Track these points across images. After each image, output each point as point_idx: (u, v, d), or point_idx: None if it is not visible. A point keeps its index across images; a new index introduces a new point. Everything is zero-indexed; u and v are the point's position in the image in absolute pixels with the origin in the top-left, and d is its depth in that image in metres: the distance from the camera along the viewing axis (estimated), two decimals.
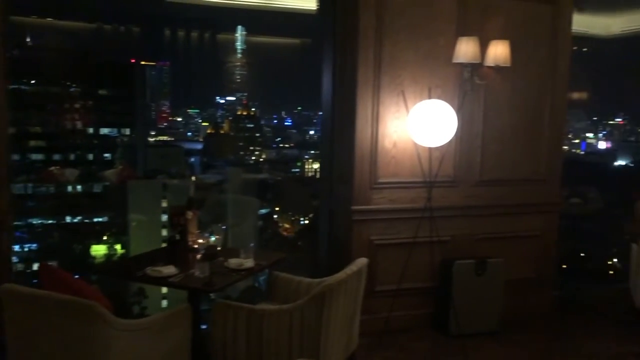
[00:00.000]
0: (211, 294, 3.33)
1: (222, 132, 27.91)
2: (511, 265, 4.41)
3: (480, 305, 4.16)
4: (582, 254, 6.54)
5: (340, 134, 4.20)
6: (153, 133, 26.68)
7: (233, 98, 32.92)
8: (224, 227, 3.76)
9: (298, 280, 3.40)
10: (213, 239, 3.28)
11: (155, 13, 33.25)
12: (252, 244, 7.37)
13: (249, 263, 3.08)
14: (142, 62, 25.94)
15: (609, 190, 7.08)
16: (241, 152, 26.25)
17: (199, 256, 3.14)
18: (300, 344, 2.77)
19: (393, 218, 4.15)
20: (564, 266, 6.32)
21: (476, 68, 4.14)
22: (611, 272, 6.73)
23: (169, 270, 2.91)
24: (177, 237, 3.20)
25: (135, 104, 20.67)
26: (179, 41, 36.28)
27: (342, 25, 4.12)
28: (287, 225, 18.53)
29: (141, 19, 32.34)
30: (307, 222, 17.85)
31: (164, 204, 15.31)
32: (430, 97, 4.01)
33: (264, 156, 26.16)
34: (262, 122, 29.06)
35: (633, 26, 8.87)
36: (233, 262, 3.07)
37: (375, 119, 4.04)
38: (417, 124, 3.89)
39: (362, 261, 3.12)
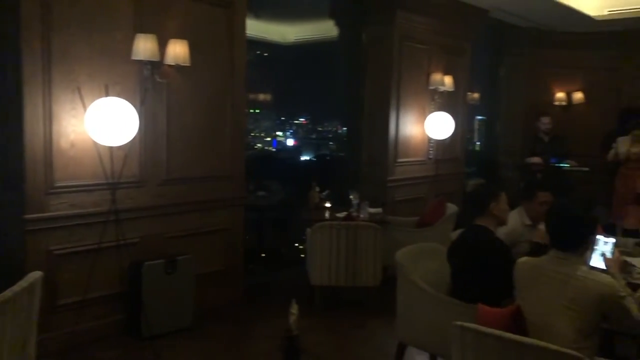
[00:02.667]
0: None
1: None
2: (203, 260, 4.53)
3: (172, 304, 4.17)
4: (273, 242, 7.07)
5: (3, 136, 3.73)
6: None
7: None
8: None
9: None
10: None
11: None
12: None
13: None
14: None
15: (296, 182, 7.80)
16: None
17: None
18: None
19: (76, 224, 3.86)
20: (263, 255, 6.74)
21: (157, 66, 4.12)
22: (302, 255, 7.41)
23: None
24: None
25: None
26: None
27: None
28: None
29: None
30: None
31: None
32: (108, 95, 3.83)
33: None
34: None
35: (305, 35, 9.94)
36: None
37: (49, 118, 3.69)
38: (95, 123, 3.68)
39: (34, 275, 2.80)
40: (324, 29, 8.11)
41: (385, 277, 4.80)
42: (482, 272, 3.11)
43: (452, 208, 5.64)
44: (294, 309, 2.42)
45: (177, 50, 4.11)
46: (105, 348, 3.92)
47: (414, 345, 3.66)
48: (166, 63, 4.14)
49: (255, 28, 8.77)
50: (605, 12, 7.32)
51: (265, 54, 12.81)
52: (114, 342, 4.01)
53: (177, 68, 4.20)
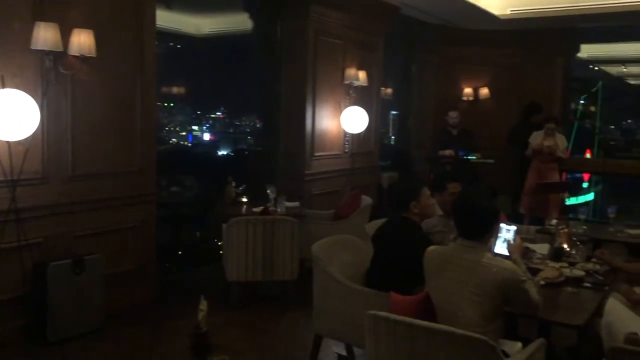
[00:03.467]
0: None
1: None
2: (113, 259, 4.37)
3: (80, 306, 3.98)
4: (189, 239, 6.93)
5: None
6: None
7: None
8: None
9: None
10: None
11: None
12: None
13: None
14: None
15: (212, 177, 7.67)
16: None
17: None
18: None
19: None
20: (180, 252, 6.58)
21: (60, 57, 3.91)
22: (221, 252, 7.33)
23: None
24: None
25: None
26: None
27: None
28: None
29: None
30: None
31: None
32: (4, 87, 3.58)
33: None
34: None
35: (220, 27, 9.78)
36: None
37: None
38: None
39: None
40: (239, 21, 8.03)
41: (303, 270, 4.82)
42: (400, 261, 3.19)
43: (366, 200, 5.75)
44: (203, 306, 2.38)
45: (82, 41, 3.92)
46: (7, 357, 3.68)
47: (330, 337, 3.70)
48: (70, 54, 3.94)
49: (168, 19, 8.54)
50: (508, 12, 7.71)
51: (179, 46, 12.49)
52: (17, 350, 3.77)
53: (82, 59, 4.00)
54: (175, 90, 15.19)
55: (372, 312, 2.52)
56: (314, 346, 3.61)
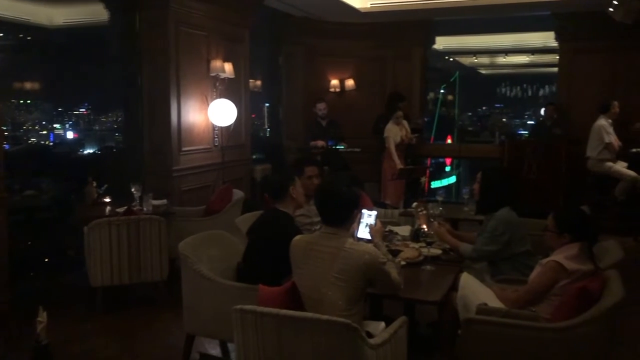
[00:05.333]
0: None
1: None
2: None
3: None
4: (50, 245, 6.43)
5: None
6: None
7: None
8: None
9: None
10: None
11: None
12: None
13: None
14: None
15: (74, 178, 7.17)
16: None
17: None
18: None
19: None
20: (38, 260, 6.08)
21: None
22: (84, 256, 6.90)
23: None
24: None
25: None
26: None
27: None
28: None
29: None
30: None
31: None
32: None
33: None
34: None
35: (75, 18, 9.18)
36: None
37: None
38: None
39: None
40: (95, 12, 7.57)
41: (175, 269, 4.68)
42: (271, 253, 3.19)
43: (238, 194, 5.71)
44: (42, 317, 2.23)
45: None
46: None
47: (203, 335, 3.65)
48: None
49: (14, 8, 7.86)
50: (369, 5, 7.99)
51: (29, 38, 11.52)
52: None
53: None
54: (29, 86, 14.01)
55: (238, 306, 2.50)
56: (185, 346, 3.53)
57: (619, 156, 7.27)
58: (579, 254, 2.95)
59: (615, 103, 7.28)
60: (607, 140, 7.12)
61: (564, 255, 2.96)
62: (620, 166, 7.19)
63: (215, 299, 3.27)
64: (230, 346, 3.73)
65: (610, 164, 7.20)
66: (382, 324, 2.86)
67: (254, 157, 8.31)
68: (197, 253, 3.44)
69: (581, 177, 7.53)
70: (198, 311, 3.41)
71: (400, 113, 7.32)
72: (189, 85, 6.28)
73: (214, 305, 3.28)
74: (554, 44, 8.99)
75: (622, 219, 7.15)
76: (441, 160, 17.79)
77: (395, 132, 7.25)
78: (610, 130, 7.19)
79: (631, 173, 7.02)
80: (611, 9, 6.85)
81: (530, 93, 25.22)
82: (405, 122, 7.45)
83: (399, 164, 7.10)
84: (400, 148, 7.31)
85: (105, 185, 5.48)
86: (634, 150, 7.25)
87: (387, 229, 4.04)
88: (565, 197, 7.39)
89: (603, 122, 7.21)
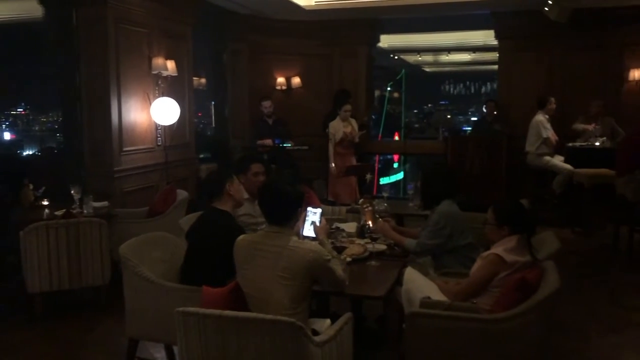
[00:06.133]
0: None
1: None
2: None
3: None
4: None
5: None
6: None
7: None
8: None
9: None
10: None
11: None
12: None
13: None
14: None
15: (9, 181, 6.87)
16: None
17: None
18: None
19: None
20: None
21: None
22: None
23: None
24: None
25: None
26: None
27: None
28: None
29: None
30: None
31: None
32: None
33: None
34: None
35: (7, 14, 8.81)
36: None
37: None
38: None
39: None
40: (30, 8, 7.27)
41: (118, 273, 4.55)
42: (213, 253, 3.14)
43: (182, 194, 5.60)
44: None
45: None
46: None
47: (146, 339, 3.56)
48: None
49: None
50: (313, 3, 7.99)
51: None
52: None
53: None
54: None
55: (180, 308, 2.45)
56: (128, 351, 3.43)
57: (556, 151, 7.54)
58: (517, 246, 3.03)
59: (552, 99, 7.54)
60: (544, 135, 7.37)
61: (503, 248, 3.04)
62: (558, 160, 7.46)
63: (158, 302, 3.19)
64: (176, 349, 3.65)
65: (548, 158, 7.46)
66: (328, 321, 2.86)
67: (201, 156, 8.20)
68: (139, 255, 3.35)
69: (521, 171, 7.77)
70: (141, 315, 3.32)
71: (348, 107, 7.33)
72: (130, 83, 6.12)
73: (156, 308, 3.20)
74: (494, 42, 9.24)
75: (560, 211, 7.43)
76: (389, 157, 18.01)
77: (337, 129, 7.26)
78: (548, 125, 7.44)
79: (567, 167, 7.29)
80: (546, 9, 7.10)
81: (473, 90, 25.91)
82: (352, 120, 7.48)
83: (331, 162, 7.10)
84: (345, 145, 7.32)
85: (43, 188, 5.27)
86: (570, 144, 7.52)
87: (333, 226, 4.06)
88: (506, 191, 7.61)
89: (541, 117, 7.46)
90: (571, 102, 7.90)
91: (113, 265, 4.57)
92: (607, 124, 7.51)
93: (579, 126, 7.63)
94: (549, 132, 7.41)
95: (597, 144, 7.32)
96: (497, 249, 3.06)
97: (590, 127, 7.50)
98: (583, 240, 6.87)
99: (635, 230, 5.99)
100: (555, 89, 8.05)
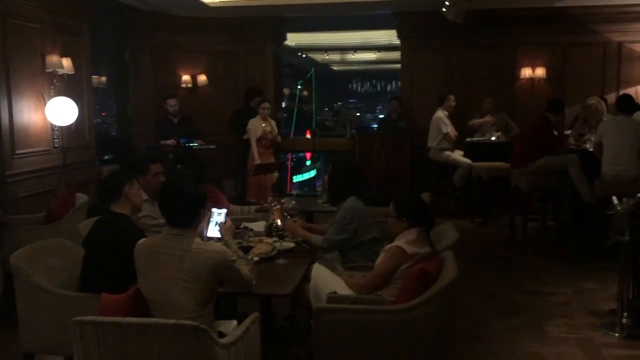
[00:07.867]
0: None
1: None
2: None
3: None
4: None
5: None
6: None
7: None
8: None
9: None
10: None
11: None
12: None
13: None
14: None
15: None
16: None
17: None
18: None
19: None
20: None
21: None
22: None
23: None
24: None
25: None
26: None
27: None
28: None
29: None
30: None
31: None
32: None
33: None
34: None
35: None
36: None
37: None
38: None
39: None
40: None
41: (11, 284, 4.27)
42: (112, 258, 3.02)
43: (82, 198, 5.34)
44: None
45: None
46: None
47: (44, 352, 3.36)
48: None
49: None
50: (217, 0, 7.86)
51: None
52: None
53: None
54: None
55: (77, 318, 2.33)
56: None
57: (456, 145, 7.89)
58: (417, 238, 3.14)
59: (451, 97, 7.88)
60: (444, 130, 7.70)
61: (404, 240, 3.14)
62: (457, 155, 7.81)
63: (54, 312, 3.02)
64: None
65: (448, 152, 7.79)
66: (234, 322, 2.83)
67: (105, 157, 7.86)
68: (33, 264, 3.16)
69: (424, 166, 8.06)
70: (36, 327, 3.14)
71: (267, 104, 7.30)
72: (22, 82, 5.75)
73: (53, 319, 3.03)
74: (397, 41, 9.51)
75: (461, 203, 7.80)
76: (302, 154, 18.13)
77: (257, 126, 7.22)
78: (447, 121, 7.77)
79: (467, 160, 7.64)
80: (444, 9, 7.40)
81: (379, 88, 26.58)
82: (271, 120, 7.45)
83: (257, 160, 7.08)
84: (264, 143, 7.28)
85: None
86: (468, 139, 7.89)
87: (241, 226, 4.03)
88: (410, 185, 7.87)
89: (440, 114, 7.78)
90: (470, 99, 8.28)
91: (6, 276, 4.28)
92: (501, 118, 7.94)
93: (475, 122, 8.02)
94: (449, 128, 7.74)
95: (493, 138, 7.73)
96: (399, 242, 3.16)
97: (487, 118, 7.88)
98: (483, 230, 7.26)
99: (529, 219, 6.40)
100: (455, 87, 8.41)
